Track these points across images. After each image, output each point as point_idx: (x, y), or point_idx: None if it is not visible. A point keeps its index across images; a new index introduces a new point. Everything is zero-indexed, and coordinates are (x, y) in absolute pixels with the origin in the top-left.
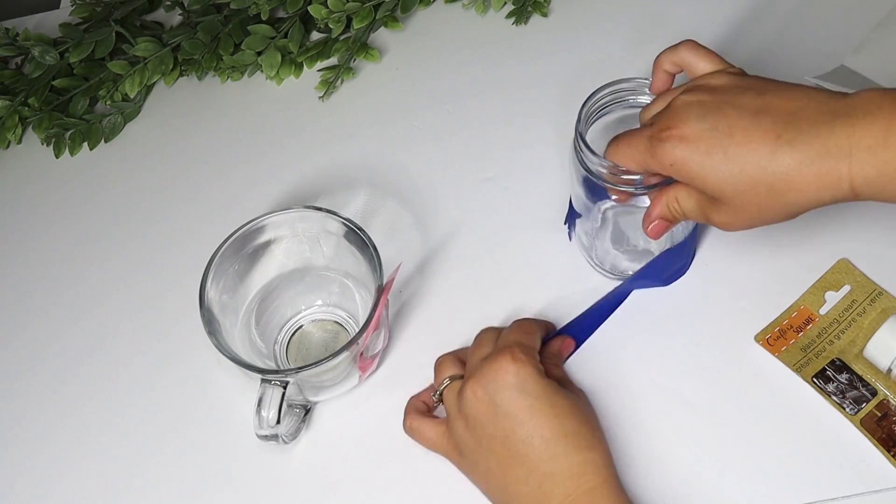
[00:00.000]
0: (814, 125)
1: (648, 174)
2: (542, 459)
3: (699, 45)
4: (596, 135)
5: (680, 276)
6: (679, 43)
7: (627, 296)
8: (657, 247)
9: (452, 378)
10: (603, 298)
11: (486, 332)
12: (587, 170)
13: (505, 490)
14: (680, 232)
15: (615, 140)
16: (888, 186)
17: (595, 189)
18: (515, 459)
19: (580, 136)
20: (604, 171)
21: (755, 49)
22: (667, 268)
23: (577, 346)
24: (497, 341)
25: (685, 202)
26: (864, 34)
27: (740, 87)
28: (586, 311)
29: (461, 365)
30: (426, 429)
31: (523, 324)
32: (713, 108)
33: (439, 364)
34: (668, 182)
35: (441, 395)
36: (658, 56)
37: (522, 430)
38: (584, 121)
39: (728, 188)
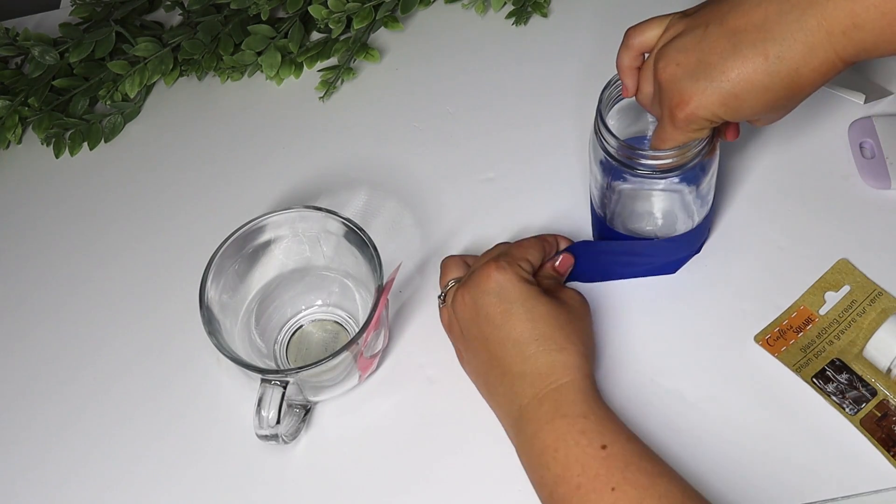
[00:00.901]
0: (787, 29)
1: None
2: (515, 361)
3: (635, 24)
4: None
5: (694, 255)
6: (623, 39)
7: (646, 271)
8: (666, 227)
9: (457, 281)
10: (624, 244)
11: (493, 247)
12: (606, 153)
13: (487, 389)
14: (697, 213)
15: (654, 138)
16: (872, 54)
17: (612, 171)
18: (493, 361)
19: (601, 119)
20: (620, 153)
21: None
22: (692, 243)
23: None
24: (505, 247)
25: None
26: None
27: (700, 26)
28: (604, 243)
29: (466, 268)
30: (442, 315)
31: (522, 240)
32: (696, 64)
33: (445, 266)
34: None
35: (445, 297)
36: (617, 62)
37: (498, 332)
38: (605, 104)
39: (757, 113)
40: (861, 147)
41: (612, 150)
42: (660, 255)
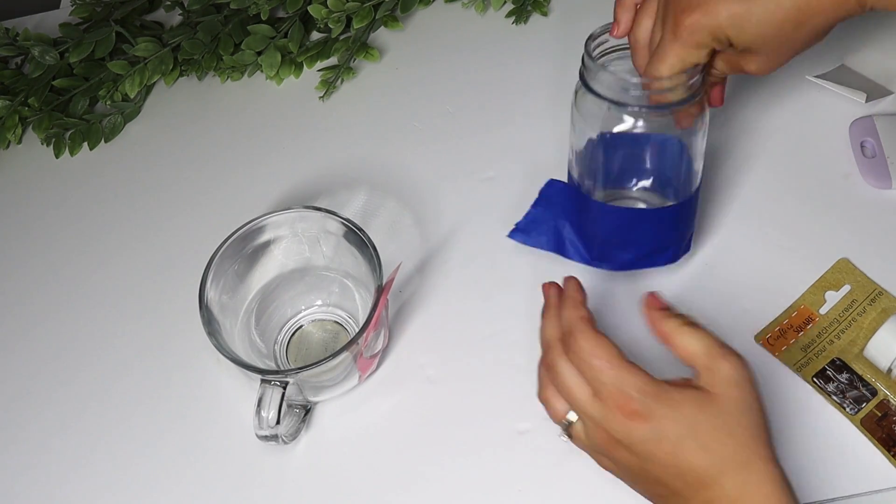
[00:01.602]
0: None
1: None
2: (695, 489)
3: None
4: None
5: (681, 256)
6: None
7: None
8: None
9: (571, 415)
10: (607, 208)
11: (559, 356)
12: (595, 92)
13: (655, 500)
14: (684, 184)
15: (650, 62)
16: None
17: (600, 123)
18: (667, 489)
19: (589, 55)
20: (611, 87)
21: None
22: (680, 220)
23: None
24: (589, 374)
25: (718, 65)
26: (864, 33)
27: None
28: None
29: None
30: (574, 435)
31: (618, 369)
32: None
33: (547, 402)
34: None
35: (569, 433)
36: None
37: (669, 470)
38: (591, 50)
39: (759, 36)
40: (862, 146)
41: (602, 87)
42: (646, 230)
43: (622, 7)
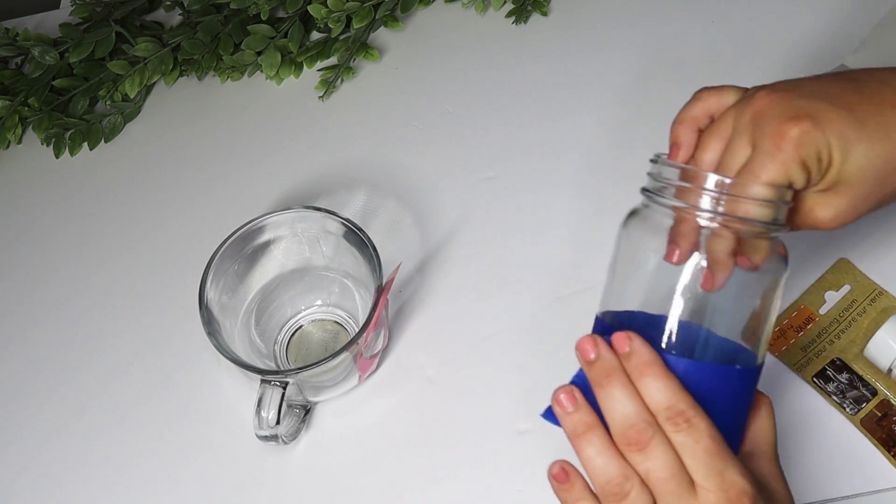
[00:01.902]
0: None
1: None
2: None
3: (710, 86)
4: None
5: None
6: (693, 96)
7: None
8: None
9: None
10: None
11: (657, 440)
12: (660, 199)
13: None
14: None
15: (741, 174)
16: None
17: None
18: None
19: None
20: (684, 181)
21: (754, 49)
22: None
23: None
24: (698, 459)
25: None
26: (864, 34)
27: (804, 79)
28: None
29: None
30: None
31: (706, 423)
32: (810, 92)
33: (625, 498)
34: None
35: None
36: (679, 116)
37: None
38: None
39: (859, 169)
40: None
41: (669, 195)
42: (728, 401)
43: (683, 126)
